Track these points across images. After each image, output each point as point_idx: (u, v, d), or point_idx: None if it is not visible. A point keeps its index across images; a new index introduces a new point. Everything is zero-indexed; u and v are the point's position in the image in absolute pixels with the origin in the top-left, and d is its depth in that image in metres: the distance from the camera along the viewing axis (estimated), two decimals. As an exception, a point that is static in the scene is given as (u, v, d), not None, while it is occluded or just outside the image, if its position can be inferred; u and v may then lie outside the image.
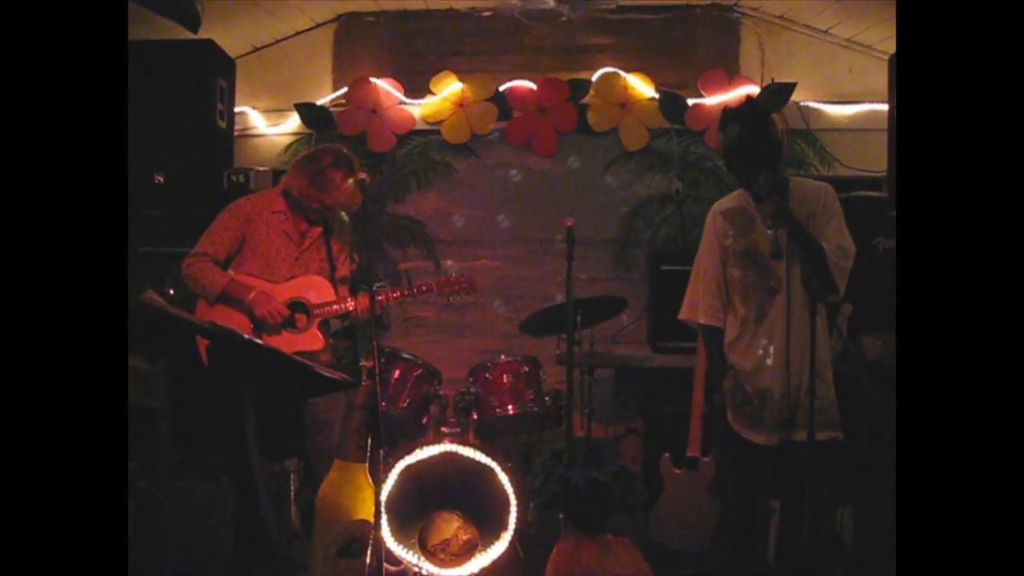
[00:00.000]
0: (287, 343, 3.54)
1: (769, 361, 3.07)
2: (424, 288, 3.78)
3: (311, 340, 3.59)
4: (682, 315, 3.34)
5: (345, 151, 3.65)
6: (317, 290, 3.61)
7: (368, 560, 2.91)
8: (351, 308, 3.58)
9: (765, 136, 3.07)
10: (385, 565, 2.85)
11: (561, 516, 3.14)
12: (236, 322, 3.53)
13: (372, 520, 2.78)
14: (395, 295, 3.72)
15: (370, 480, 2.86)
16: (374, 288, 3.37)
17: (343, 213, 3.79)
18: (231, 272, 3.62)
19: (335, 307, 3.59)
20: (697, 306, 3.27)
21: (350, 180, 3.51)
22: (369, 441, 2.87)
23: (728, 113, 3.15)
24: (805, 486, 2.97)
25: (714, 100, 4.92)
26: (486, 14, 5.06)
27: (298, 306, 3.59)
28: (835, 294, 3.03)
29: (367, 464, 2.92)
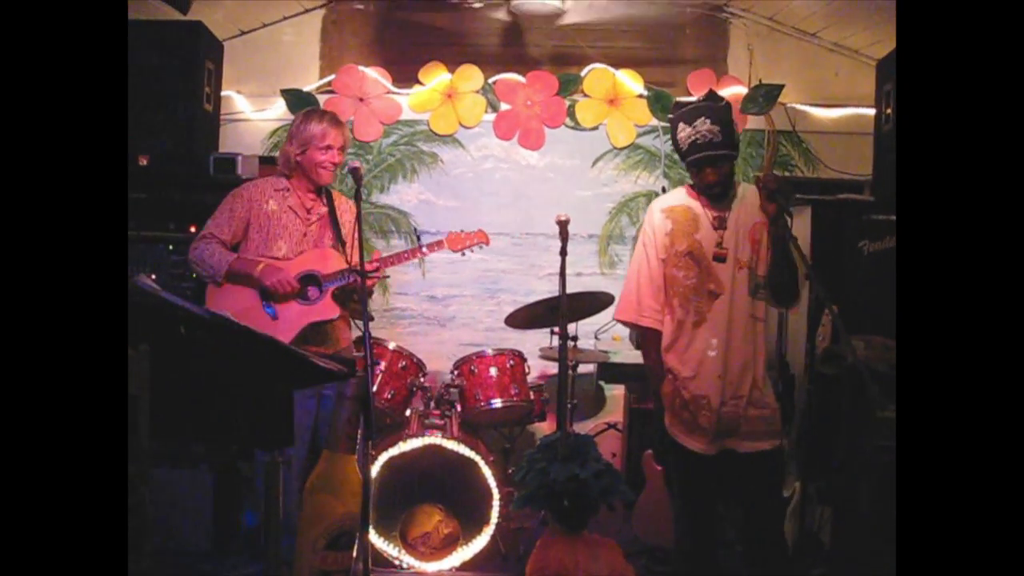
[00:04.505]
0: (301, 315, 3.51)
1: (707, 367, 2.96)
2: (435, 246, 3.75)
3: (326, 310, 3.55)
4: (618, 316, 3.19)
5: (327, 111, 3.71)
6: (326, 261, 3.57)
7: (355, 553, 2.89)
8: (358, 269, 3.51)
9: (733, 131, 2.97)
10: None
11: (543, 512, 3.13)
12: (246, 299, 3.49)
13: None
14: (407, 256, 3.69)
15: (359, 472, 2.84)
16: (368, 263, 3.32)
17: (352, 202, 3.78)
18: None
19: (348, 276, 3.54)
20: (636, 307, 3.11)
21: (331, 133, 3.54)
22: (359, 433, 2.84)
23: (692, 107, 2.98)
24: (759, 496, 2.96)
25: (702, 99, 4.94)
26: (477, 6, 5.04)
27: (308, 278, 3.55)
28: (796, 304, 3.05)
29: (356, 455, 2.89)
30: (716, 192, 3.00)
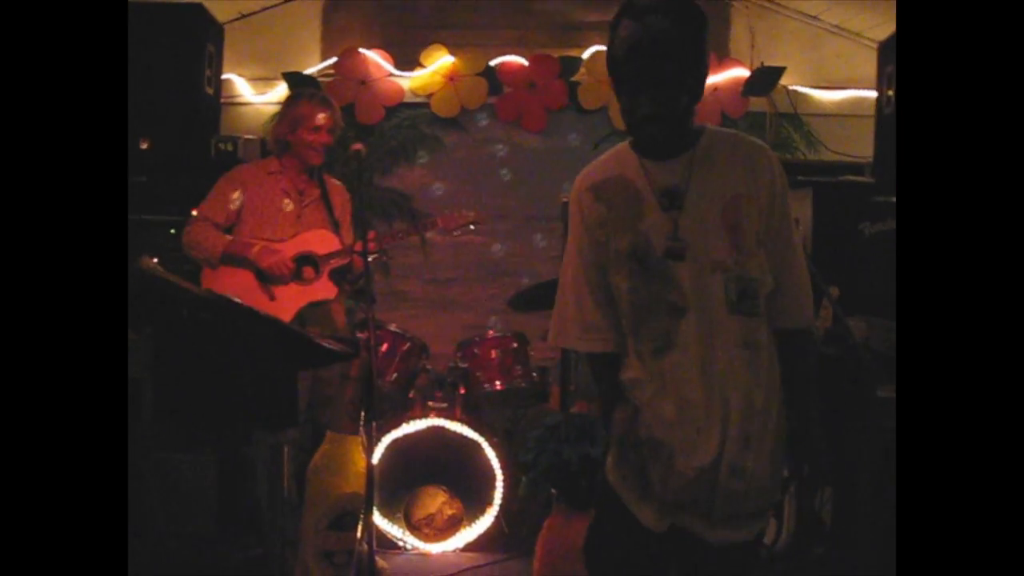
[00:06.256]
0: (299, 295, 3.56)
1: (684, 416, 1.87)
2: (429, 224, 3.82)
3: (323, 290, 3.60)
4: (551, 340, 2.12)
5: (317, 92, 3.77)
6: (322, 242, 3.61)
7: (359, 534, 2.91)
8: (359, 250, 3.54)
9: (701, 52, 1.87)
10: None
11: (553, 492, 3.14)
12: (242, 281, 3.52)
13: (364, 493, 2.77)
14: (401, 235, 3.77)
15: (363, 453, 2.86)
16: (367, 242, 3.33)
17: (342, 185, 3.80)
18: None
19: (343, 255, 3.59)
20: (572, 326, 2.02)
21: (320, 114, 3.57)
22: (362, 414, 2.86)
23: (642, 4, 1.83)
24: None
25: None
26: (478, -13, 5.04)
27: (305, 259, 3.59)
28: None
29: (360, 436, 2.91)
30: (653, 134, 1.87)
